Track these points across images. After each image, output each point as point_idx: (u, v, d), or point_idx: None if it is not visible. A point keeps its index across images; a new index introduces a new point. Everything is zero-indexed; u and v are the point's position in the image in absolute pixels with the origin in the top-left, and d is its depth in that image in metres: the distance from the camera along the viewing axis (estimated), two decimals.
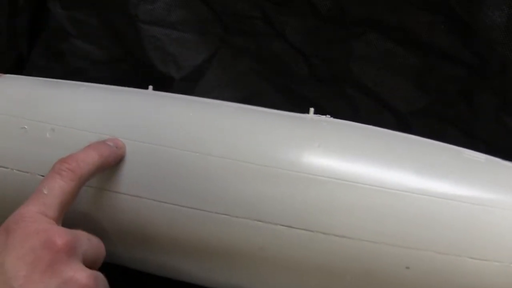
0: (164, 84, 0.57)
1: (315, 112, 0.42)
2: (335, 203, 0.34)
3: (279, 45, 0.57)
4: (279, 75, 0.58)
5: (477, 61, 0.52)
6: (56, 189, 0.32)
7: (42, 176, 0.36)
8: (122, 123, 0.38)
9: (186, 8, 0.58)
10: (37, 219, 0.30)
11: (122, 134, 0.37)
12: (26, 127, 0.38)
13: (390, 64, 0.54)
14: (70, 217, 0.33)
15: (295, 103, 0.57)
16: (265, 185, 0.34)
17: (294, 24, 0.56)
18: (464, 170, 0.36)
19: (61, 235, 0.30)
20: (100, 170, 0.35)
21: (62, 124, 0.38)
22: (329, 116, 0.41)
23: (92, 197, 0.37)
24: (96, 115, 0.39)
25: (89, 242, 0.32)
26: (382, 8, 0.53)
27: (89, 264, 0.31)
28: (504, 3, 0.49)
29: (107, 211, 0.37)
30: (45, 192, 0.31)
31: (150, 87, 0.45)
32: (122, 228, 0.37)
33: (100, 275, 0.31)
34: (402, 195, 0.33)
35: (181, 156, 0.36)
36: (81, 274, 0.29)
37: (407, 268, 0.33)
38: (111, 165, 0.36)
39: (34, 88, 0.42)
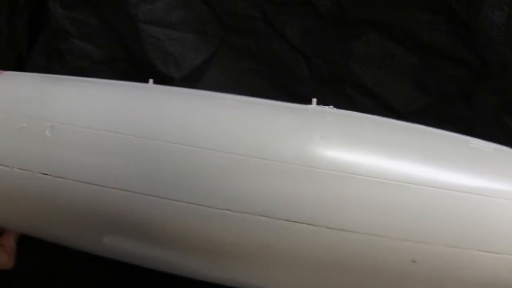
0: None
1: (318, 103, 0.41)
2: (339, 196, 0.33)
3: (279, 45, 0.57)
4: (279, 75, 0.58)
5: (477, 61, 0.52)
6: None
7: (43, 174, 0.36)
8: (121, 119, 0.38)
9: (186, 8, 0.58)
10: None
11: (121, 129, 0.37)
12: (24, 125, 0.38)
13: (390, 64, 0.54)
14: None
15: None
16: (267, 179, 0.33)
17: (294, 24, 0.56)
18: (471, 159, 0.35)
19: None
20: None
21: (62, 122, 0.38)
22: (331, 106, 0.41)
23: (88, 193, 0.36)
24: (96, 111, 0.38)
25: None
26: (382, 8, 0.53)
27: None
28: (504, 3, 0.49)
29: (108, 209, 0.37)
30: None
31: (151, 80, 0.45)
32: (121, 225, 0.37)
33: None
34: (408, 187, 0.33)
35: (182, 151, 0.35)
36: None
37: (414, 261, 0.32)
38: None
39: (34, 85, 0.42)
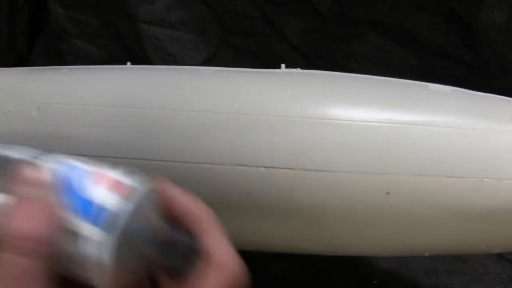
0: None
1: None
2: (312, 140, 0.35)
3: (279, 45, 0.57)
4: None
5: (477, 61, 0.52)
6: None
7: None
8: (103, 93, 0.39)
9: (186, 8, 0.58)
10: None
11: (105, 102, 0.38)
12: (11, 109, 0.38)
13: (390, 64, 0.54)
14: None
15: None
16: (244, 131, 0.35)
17: (294, 24, 0.56)
18: (431, 99, 0.37)
19: None
20: None
21: (47, 101, 0.38)
22: (299, 69, 0.42)
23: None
24: (79, 89, 0.39)
25: None
26: (382, 8, 0.53)
27: None
28: (504, 3, 0.49)
29: None
30: None
31: (128, 63, 0.46)
32: None
33: None
34: (374, 126, 0.35)
35: (162, 115, 0.37)
36: None
37: (388, 193, 0.34)
38: None
39: (18, 75, 0.43)
